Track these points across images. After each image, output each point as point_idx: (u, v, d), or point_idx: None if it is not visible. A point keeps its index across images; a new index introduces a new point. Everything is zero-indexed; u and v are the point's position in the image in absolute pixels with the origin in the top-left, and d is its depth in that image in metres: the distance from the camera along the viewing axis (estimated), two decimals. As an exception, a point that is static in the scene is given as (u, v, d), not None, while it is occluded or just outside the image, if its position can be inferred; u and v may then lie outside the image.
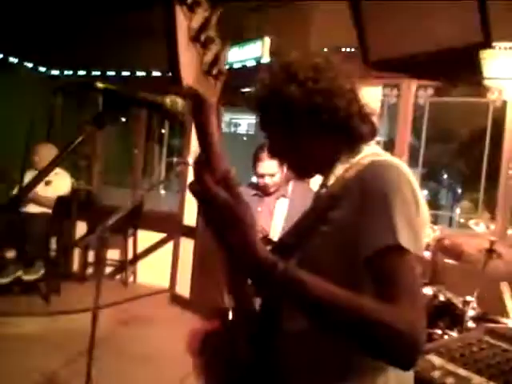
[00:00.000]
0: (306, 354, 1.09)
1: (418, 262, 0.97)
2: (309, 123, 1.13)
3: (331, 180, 1.15)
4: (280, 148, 1.21)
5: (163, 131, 8.61)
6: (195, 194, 0.84)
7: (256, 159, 3.04)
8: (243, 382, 1.14)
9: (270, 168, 2.97)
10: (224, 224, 0.82)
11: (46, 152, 5.05)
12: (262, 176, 3.05)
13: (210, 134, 0.84)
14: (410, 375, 1.14)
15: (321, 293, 0.86)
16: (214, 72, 0.81)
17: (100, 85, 1.05)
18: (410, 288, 0.92)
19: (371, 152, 1.15)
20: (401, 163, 1.08)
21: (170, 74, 0.76)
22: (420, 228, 1.00)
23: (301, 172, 1.26)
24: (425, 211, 1.05)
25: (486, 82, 4.44)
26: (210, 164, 0.84)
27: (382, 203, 0.97)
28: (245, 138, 7.48)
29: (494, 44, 3.80)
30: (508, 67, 4.23)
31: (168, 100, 1.05)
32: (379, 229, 0.95)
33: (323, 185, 1.19)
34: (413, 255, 0.95)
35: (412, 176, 1.05)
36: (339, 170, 1.14)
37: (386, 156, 1.13)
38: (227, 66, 0.85)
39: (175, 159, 3.46)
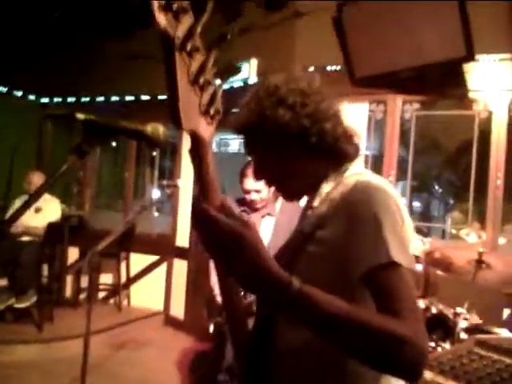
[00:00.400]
0: (301, 370, 1.10)
1: (411, 275, 0.99)
2: (297, 146, 1.15)
3: (317, 200, 1.17)
4: (267, 171, 1.22)
5: (154, 154, 8.65)
6: (198, 225, 0.83)
7: (242, 175, 3.07)
8: None
9: (256, 184, 2.99)
10: (234, 249, 0.81)
11: (38, 179, 5.07)
12: (248, 192, 3.07)
13: (206, 171, 0.87)
14: None
15: (334, 308, 0.87)
16: (212, 112, 0.85)
17: (79, 116, 1.06)
18: (409, 301, 0.95)
19: (355, 171, 1.18)
20: (384, 181, 1.11)
21: (171, 118, 0.79)
22: (408, 243, 1.04)
23: (289, 194, 1.27)
24: (410, 227, 1.08)
25: (471, 95, 4.50)
26: (206, 198, 0.86)
27: (371, 223, 1.00)
28: (235, 157, 7.52)
29: (477, 57, 3.87)
30: (492, 79, 4.30)
31: (149, 128, 1.05)
32: (372, 247, 0.98)
33: (309, 205, 1.21)
34: (406, 269, 0.98)
35: (396, 193, 1.09)
36: (325, 189, 1.17)
37: (369, 175, 1.16)
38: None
39: (165, 182, 3.47)
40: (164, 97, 6.03)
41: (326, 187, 1.16)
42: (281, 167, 1.19)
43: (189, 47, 0.76)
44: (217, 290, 3.03)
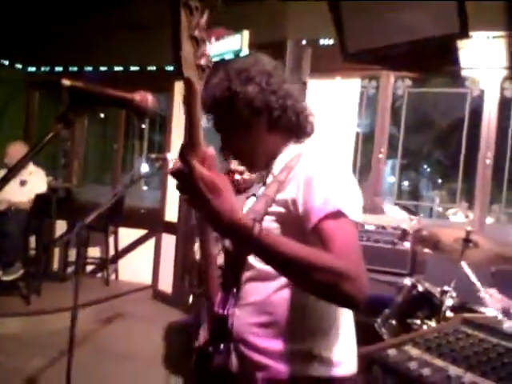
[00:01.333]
0: (264, 317, 1.28)
1: (355, 225, 1.16)
2: (262, 120, 1.32)
3: (277, 169, 1.33)
4: (234, 146, 1.38)
5: (143, 126, 8.55)
6: (179, 173, 0.99)
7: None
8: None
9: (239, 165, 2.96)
10: (207, 194, 0.97)
11: (16, 151, 4.96)
12: (232, 172, 3.05)
13: (197, 117, 0.98)
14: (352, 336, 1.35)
15: (288, 247, 1.04)
16: (204, 66, 0.97)
17: (65, 82, 1.02)
18: (351, 244, 1.11)
19: (311, 144, 1.37)
20: (335, 152, 1.29)
21: (175, 65, 0.91)
22: (355, 200, 1.21)
23: (253, 166, 1.45)
24: (357, 189, 1.25)
25: (464, 72, 4.48)
26: (194, 145, 0.98)
27: (323, 181, 1.18)
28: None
29: (470, 34, 3.83)
30: (484, 57, 4.27)
31: (137, 96, 1.03)
32: (322, 200, 1.15)
33: (268, 173, 1.37)
34: (351, 219, 1.14)
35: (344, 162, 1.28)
36: (284, 160, 1.33)
37: (321, 147, 1.33)
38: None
39: (154, 155, 3.45)
40: (153, 68, 5.94)
41: (285, 158, 1.33)
42: (247, 141, 1.34)
43: (191, 5, 0.91)
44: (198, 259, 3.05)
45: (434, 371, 1.66)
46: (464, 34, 3.76)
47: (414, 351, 1.75)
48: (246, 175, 3.03)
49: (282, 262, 1.06)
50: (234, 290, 1.32)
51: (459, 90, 4.87)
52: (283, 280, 1.24)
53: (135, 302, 5.45)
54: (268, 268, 1.20)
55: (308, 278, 1.05)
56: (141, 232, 6.15)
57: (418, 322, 2.80)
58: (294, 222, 1.20)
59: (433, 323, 2.74)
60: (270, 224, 1.23)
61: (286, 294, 1.25)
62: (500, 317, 2.46)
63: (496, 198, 5.04)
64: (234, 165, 2.99)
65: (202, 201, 0.98)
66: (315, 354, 1.25)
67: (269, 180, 1.36)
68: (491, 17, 3.93)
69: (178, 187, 1.01)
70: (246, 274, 1.31)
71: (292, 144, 1.36)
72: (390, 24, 4.01)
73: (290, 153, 1.34)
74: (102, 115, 8.49)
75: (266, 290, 1.27)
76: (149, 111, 1.05)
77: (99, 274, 6.11)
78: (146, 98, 1.04)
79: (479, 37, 4.04)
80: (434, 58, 4.22)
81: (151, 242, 6.03)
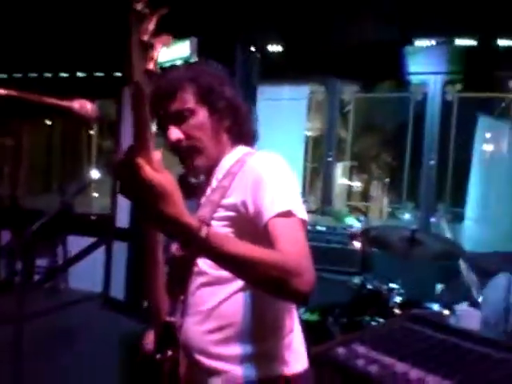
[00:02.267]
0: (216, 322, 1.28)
1: (304, 224, 1.19)
2: (226, 123, 1.37)
3: (220, 173, 1.34)
4: (194, 138, 1.35)
5: (92, 132, 8.38)
6: (122, 173, 0.95)
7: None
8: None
9: None
10: (154, 197, 0.94)
11: None
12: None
13: (145, 121, 0.95)
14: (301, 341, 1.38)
15: (236, 247, 1.05)
16: (151, 69, 0.96)
17: (1, 91, 1.01)
18: (298, 241, 1.14)
19: (251, 151, 1.39)
20: (275, 154, 1.31)
21: (125, 69, 0.93)
22: (300, 200, 1.24)
23: (198, 169, 1.40)
24: (298, 192, 1.28)
25: (407, 78, 4.63)
26: (141, 148, 0.94)
27: (271, 183, 1.21)
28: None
29: (413, 40, 3.97)
30: (427, 63, 4.43)
31: (77, 104, 1.02)
32: (271, 201, 1.17)
33: (211, 178, 1.38)
34: (300, 218, 1.18)
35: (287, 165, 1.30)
36: (226, 164, 1.35)
37: (264, 152, 1.34)
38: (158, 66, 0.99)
39: (103, 161, 3.38)
40: (101, 73, 5.85)
41: (227, 163, 1.35)
42: (206, 137, 1.34)
43: (140, 10, 0.90)
44: None
45: (381, 368, 1.71)
46: (407, 40, 3.89)
47: (362, 348, 1.79)
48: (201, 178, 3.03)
49: (231, 262, 1.06)
50: (182, 297, 1.32)
51: (403, 94, 5.03)
52: (235, 285, 1.26)
53: (86, 310, 5.33)
54: (220, 273, 1.24)
55: (258, 275, 1.07)
56: (91, 239, 6.03)
57: (368, 319, 2.87)
58: (247, 223, 1.22)
59: (381, 320, 2.82)
60: (222, 229, 1.24)
61: (239, 298, 1.27)
62: (446, 312, 2.56)
63: (440, 198, 5.21)
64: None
65: (149, 203, 0.95)
66: (270, 355, 1.27)
67: (212, 185, 1.36)
68: (433, 24, 4.08)
69: (123, 189, 0.98)
70: (198, 281, 1.30)
71: (236, 149, 1.39)
72: (336, 31, 4.10)
73: (232, 158, 1.36)
74: (49, 122, 8.27)
75: (219, 295, 1.27)
76: (88, 119, 1.04)
77: (48, 283, 5.95)
78: (85, 106, 1.03)
79: (421, 43, 4.19)
80: (379, 65, 4.35)
81: (102, 249, 5.92)
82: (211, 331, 1.28)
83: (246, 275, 1.11)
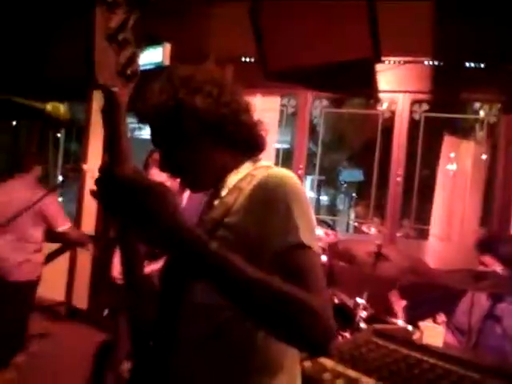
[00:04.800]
0: (205, 358, 1.12)
1: (318, 258, 1.06)
2: (211, 135, 1.16)
3: (225, 190, 1.18)
4: (177, 162, 1.20)
5: (59, 135, 8.22)
6: (108, 186, 0.82)
7: (146, 166, 2.99)
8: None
9: (159, 175, 2.93)
10: (147, 210, 0.82)
11: None
12: None
13: (119, 136, 0.86)
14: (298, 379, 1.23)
15: (249, 272, 0.89)
16: (128, 72, 0.84)
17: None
18: (319, 279, 0.99)
19: (263, 164, 1.23)
20: (293, 174, 1.15)
21: (86, 72, 0.79)
22: (315, 230, 1.10)
23: (196, 186, 1.27)
24: (313, 217, 1.14)
25: (376, 95, 4.71)
26: (120, 162, 0.84)
27: (284, 208, 1.05)
28: (148, 143, 7.33)
29: (383, 58, 4.05)
30: (396, 80, 4.53)
31: (49, 106, 1.00)
32: (284, 230, 1.03)
33: (215, 195, 1.22)
34: (314, 251, 1.04)
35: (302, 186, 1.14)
36: (232, 180, 1.19)
37: (278, 168, 1.20)
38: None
39: (70, 166, 3.31)
40: (69, 75, 5.74)
41: (233, 178, 1.19)
42: (192, 158, 1.18)
43: (110, 0, 0.77)
44: (115, 272, 3.00)
45: (347, 382, 1.73)
46: (377, 58, 3.97)
47: (329, 362, 1.80)
48: (169, 184, 2.99)
49: (239, 288, 0.90)
50: (169, 322, 1.16)
51: (372, 111, 5.12)
52: (227, 315, 1.07)
53: (47, 319, 5.19)
54: (210, 301, 1.06)
55: (270, 312, 0.91)
56: (54, 246, 5.88)
57: (334, 333, 2.88)
58: (247, 249, 1.03)
59: (347, 334, 2.84)
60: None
61: (229, 330, 1.10)
62: (410, 328, 2.59)
63: (406, 214, 5.30)
64: (155, 176, 2.96)
65: (147, 217, 0.83)
66: None
67: (216, 202, 1.20)
68: (402, 42, 4.17)
69: (110, 207, 0.84)
70: (187, 306, 1.14)
71: (240, 162, 1.22)
72: (308, 46, 4.15)
73: (239, 172, 1.20)
74: (14, 123, 8.07)
75: (207, 325, 1.11)
76: (60, 122, 1.02)
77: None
78: (58, 109, 1.00)
79: (391, 61, 4.28)
80: (349, 81, 4.42)
81: (65, 256, 5.79)
82: (197, 362, 1.14)
83: (254, 308, 0.92)
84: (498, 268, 2.96)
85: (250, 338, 1.10)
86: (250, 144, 1.23)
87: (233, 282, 0.89)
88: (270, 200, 1.07)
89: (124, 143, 0.87)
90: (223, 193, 1.19)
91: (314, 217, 1.13)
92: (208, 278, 0.91)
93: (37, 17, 5.38)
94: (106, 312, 2.96)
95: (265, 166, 1.22)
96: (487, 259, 3.01)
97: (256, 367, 1.12)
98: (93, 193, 0.85)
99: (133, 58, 0.85)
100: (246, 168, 1.21)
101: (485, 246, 3.13)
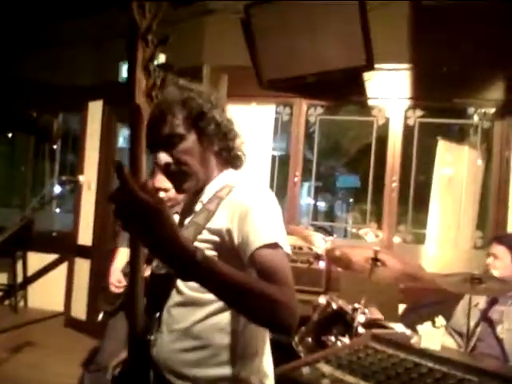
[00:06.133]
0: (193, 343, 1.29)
1: (287, 257, 1.23)
2: (215, 146, 1.37)
3: (206, 197, 1.36)
4: (185, 161, 1.35)
5: (55, 147, 8.23)
6: (119, 199, 0.94)
7: (151, 173, 3.03)
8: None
9: (164, 182, 2.97)
10: (149, 221, 0.94)
11: None
12: (157, 190, 3.03)
13: (142, 145, 0.99)
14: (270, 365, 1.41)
15: (229, 274, 1.06)
16: (153, 95, 1.01)
17: (-27, 105, 1.00)
18: (285, 273, 1.17)
19: (238, 176, 1.40)
20: (263, 185, 1.36)
21: (127, 92, 0.97)
22: (285, 233, 1.27)
23: (185, 188, 1.40)
24: (282, 224, 1.31)
25: (370, 102, 4.75)
26: (135, 172, 0.98)
27: (259, 214, 1.23)
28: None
29: (376, 66, 4.09)
30: (389, 87, 4.57)
31: (42, 120, 1.03)
32: (258, 232, 1.20)
33: (195, 200, 1.40)
34: (284, 252, 1.22)
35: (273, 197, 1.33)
36: (212, 189, 1.37)
37: (252, 180, 1.38)
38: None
39: (66, 177, 3.34)
40: (66, 87, 5.77)
41: (213, 187, 1.37)
42: (197, 160, 1.35)
43: (148, 38, 0.97)
44: (112, 279, 3.01)
45: (346, 387, 1.73)
46: (370, 66, 4.00)
47: (327, 368, 1.81)
48: (171, 192, 3.02)
49: (222, 287, 1.07)
50: (157, 314, 1.32)
51: (366, 118, 5.16)
52: (211, 308, 1.27)
53: (46, 330, 5.19)
54: (197, 295, 1.26)
55: (248, 303, 1.09)
56: (52, 256, 5.89)
57: (333, 338, 2.90)
58: (229, 251, 1.24)
59: (346, 339, 2.85)
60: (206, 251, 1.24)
61: (213, 321, 1.28)
62: (408, 332, 2.61)
63: (402, 219, 5.34)
64: (158, 183, 2.99)
65: (143, 227, 0.95)
66: (242, 378, 1.29)
67: (197, 207, 1.37)
68: (395, 50, 4.21)
69: (116, 213, 0.97)
70: (174, 300, 1.31)
71: (223, 173, 1.40)
72: (302, 55, 4.19)
73: (219, 182, 1.38)
74: (10, 134, 8.09)
75: (194, 316, 1.28)
76: (52, 136, 1.05)
77: (7, 302, 5.77)
78: (51, 123, 1.04)
79: (384, 69, 4.31)
80: (343, 89, 4.45)
81: (63, 266, 5.79)
82: (184, 351, 1.28)
83: (234, 302, 1.11)
84: (508, 260, 3.03)
85: (234, 324, 1.29)
86: (232, 157, 1.41)
87: (216, 283, 1.05)
88: (242, 208, 1.24)
89: (143, 156, 1.00)
90: (204, 200, 1.36)
91: (281, 221, 1.29)
92: (195, 281, 1.06)
93: (35, 26, 5.41)
94: (100, 316, 2.98)
95: (239, 178, 1.39)
96: (500, 251, 3.06)
97: (239, 349, 1.29)
98: (110, 198, 0.96)
99: (157, 84, 1.01)
100: (223, 178, 1.38)
101: (499, 237, 3.26)
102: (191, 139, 1.34)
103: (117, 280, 3.02)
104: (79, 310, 5.40)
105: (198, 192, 1.39)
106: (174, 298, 1.31)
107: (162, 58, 4.81)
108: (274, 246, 1.19)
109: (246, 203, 1.25)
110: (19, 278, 5.68)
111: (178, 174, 1.36)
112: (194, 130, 1.34)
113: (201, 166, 1.35)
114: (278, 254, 1.19)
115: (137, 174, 0.98)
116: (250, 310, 1.10)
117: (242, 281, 1.07)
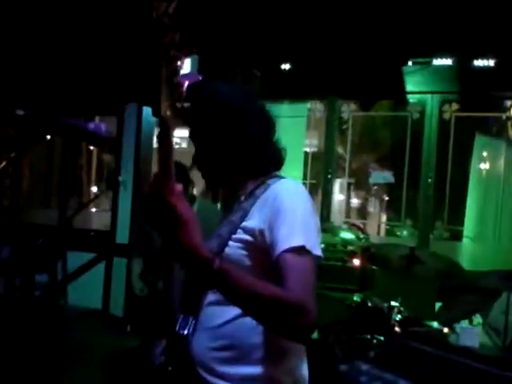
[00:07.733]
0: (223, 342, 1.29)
1: (317, 260, 1.19)
2: (252, 144, 1.36)
3: (243, 196, 1.36)
4: (207, 157, 1.38)
5: (92, 148, 8.42)
6: (153, 202, 1.01)
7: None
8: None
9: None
10: (172, 226, 1.00)
11: None
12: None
13: (170, 152, 1.04)
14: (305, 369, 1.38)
15: (245, 282, 1.09)
16: (178, 107, 1.06)
17: (19, 112, 1.07)
18: (305, 277, 1.14)
19: (274, 174, 1.39)
20: (299, 183, 1.37)
21: (153, 105, 1.03)
22: (317, 236, 1.25)
23: (215, 181, 1.44)
24: (317, 224, 1.30)
25: (405, 97, 4.70)
26: (165, 177, 1.03)
27: (290, 215, 1.21)
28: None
29: (410, 60, 4.04)
30: (424, 81, 4.50)
31: (92, 125, 1.09)
32: (287, 234, 1.18)
33: (234, 199, 1.40)
34: (313, 255, 1.18)
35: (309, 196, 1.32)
36: (251, 187, 1.36)
37: (287, 178, 1.37)
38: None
39: (104, 177, 3.42)
40: (103, 92, 5.90)
41: (251, 186, 1.36)
42: (221, 154, 1.35)
43: (171, 54, 1.03)
44: None
45: (384, 384, 1.73)
46: (404, 60, 3.96)
47: (364, 366, 1.82)
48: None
49: (237, 295, 1.10)
50: (195, 312, 1.34)
51: (400, 113, 5.10)
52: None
53: (85, 327, 5.30)
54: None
55: (261, 310, 1.11)
56: (90, 255, 6.01)
57: (369, 336, 2.88)
58: (261, 251, 1.23)
59: (382, 338, 2.83)
60: (237, 251, 1.26)
61: (246, 320, 1.25)
62: (445, 330, 2.58)
63: (439, 216, 5.26)
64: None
65: (168, 231, 1.02)
66: (274, 379, 1.28)
67: (235, 205, 1.39)
68: (432, 44, 4.15)
69: (145, 215, 1.04)
70: (210, 298, 1.32)
71: (261, 171, 1.39)
72: (335, 51, 4.16)
73: (256, 180, 1.37)
74: (49, 137, 8.32)
75: (227, 315, 1.28)
76: (101, 140, 1.11)
77: (47, 300, 5.92)
78: (100, 127, 1.10)
79: (419, 63, 4.26)
80: (376, 84, 4.41)
81: (101, 265, 5.91)
82: (216, 349, 1.29)
83: (249, 309, 1.14)
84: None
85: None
86: (272, 158, 1.40)
87: (231, 293, 1.10)
88: (276, 208, 1.23)
89: (172, 163, 1.05)
90: (242, 198, 1.36)
91: (316, 222, 1.27)
92: (214, 288, 1.12)
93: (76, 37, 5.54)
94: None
95: (276, 176, 1.38)
96: None
97: (271, 349, 1.28)
98: (144, 198, 1.03)
99: (181, 96, 1.07)
100: (261, 176, 1.38)
101: None
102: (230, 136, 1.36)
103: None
104: (117, 308, 5.50)
105: (238, 189, 1.40)
106: (209, 296, 1.32)
107: (188, 67, 4.91)
108: (300, 249, 1.17)
109: (278, 203, 1.24)
110: (59, 277, 5.81)
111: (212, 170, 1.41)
112: (232, 128, 1.35)
113: (238, 163, 1.37)
114: (302, 259, 1.17)
115: (166, 179, 1.03)
116: (266, 318, 1.13)
117: (256, 288, 1.09)
